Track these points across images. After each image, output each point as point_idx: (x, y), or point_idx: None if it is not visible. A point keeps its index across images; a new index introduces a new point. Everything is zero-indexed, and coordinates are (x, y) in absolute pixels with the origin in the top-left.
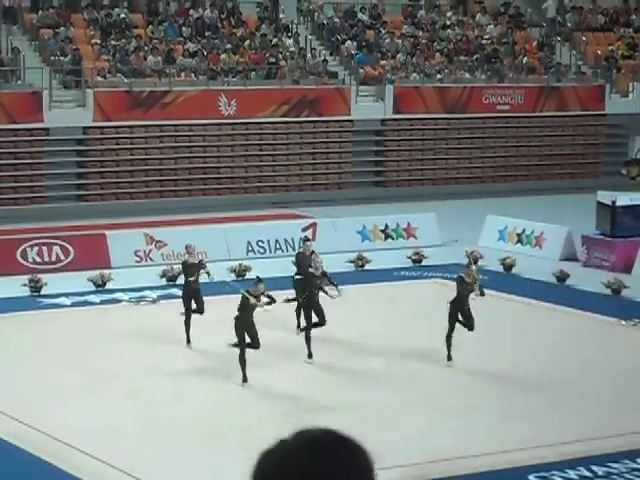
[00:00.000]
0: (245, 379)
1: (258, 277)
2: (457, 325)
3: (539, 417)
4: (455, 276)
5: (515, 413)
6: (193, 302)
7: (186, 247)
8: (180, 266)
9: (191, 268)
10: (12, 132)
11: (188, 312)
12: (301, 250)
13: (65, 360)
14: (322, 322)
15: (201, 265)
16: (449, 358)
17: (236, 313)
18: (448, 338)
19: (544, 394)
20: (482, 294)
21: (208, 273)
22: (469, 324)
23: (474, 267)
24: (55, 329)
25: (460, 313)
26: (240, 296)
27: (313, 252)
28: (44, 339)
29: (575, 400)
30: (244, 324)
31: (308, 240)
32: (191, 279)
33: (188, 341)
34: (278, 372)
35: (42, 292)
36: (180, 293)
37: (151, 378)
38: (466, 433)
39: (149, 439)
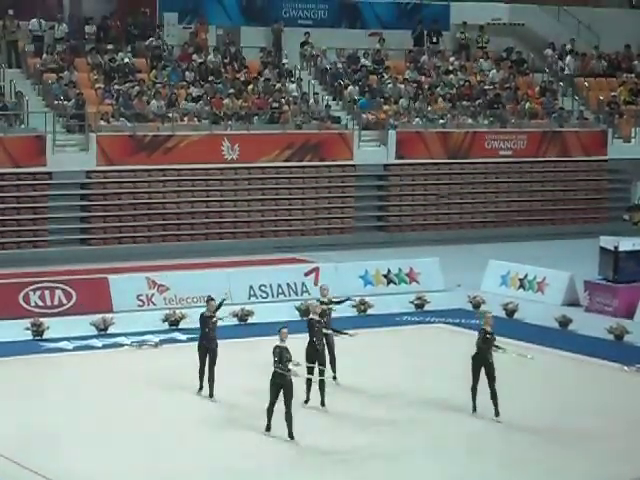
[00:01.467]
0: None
1: (283, 325)
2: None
3: (541, 463)
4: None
5: (516, 459)
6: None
7: (207, 300)
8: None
9: (206, 321)
10: (15, 176)
11: (202, 363)
12: (320, 298)
13: (67, 404)
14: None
15: (214, 313)
16: (474, 409)
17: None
18: (473, 389)
19: (546, 440)
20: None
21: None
22: (491, 379)
23: (489, 315)
24: (57, 373)
25: (483, 367)
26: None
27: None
28: (46, 383)
29: (577, 446)
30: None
31: (325, 289)
32: (207, 329)
33: (200, 388)
34: (279, 419)
35: (44, 336)
36: (183, 338)
37: (152, 423)
38: (467, 479)
39: None
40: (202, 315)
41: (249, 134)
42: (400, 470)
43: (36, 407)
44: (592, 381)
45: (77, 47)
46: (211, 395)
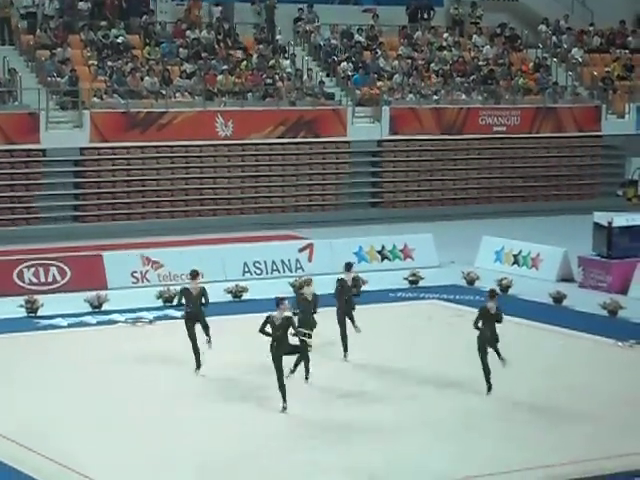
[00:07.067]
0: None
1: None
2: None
3: (537, 439)
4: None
5: (513, 435)
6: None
7: (191, 273)
8: (179, 291)
9: (190, 296)
10: (9, 153)
11: (193, 339)
12: (343, 277)
13: (61, 382)
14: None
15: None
16: (489, 389)
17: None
18: (485, 369)
19: (541, 416)
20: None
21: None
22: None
23: (491, 303)
24: (51, 350)
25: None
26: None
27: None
28: (41, 361)
29: (572, 422)
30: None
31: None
32: (189, 310)
33: (198, 367)
34: (275, 393)
35: (38, 313)
36: (177, 314)
37: (147, 400)
38: (464, 455)
39: (146, 462)
40: (186, 290)
41: (243, 110)
42: (397, 446)
43: (31, 385)
44: (586, 357)
45: (70, 24)
46: (198, 367)
